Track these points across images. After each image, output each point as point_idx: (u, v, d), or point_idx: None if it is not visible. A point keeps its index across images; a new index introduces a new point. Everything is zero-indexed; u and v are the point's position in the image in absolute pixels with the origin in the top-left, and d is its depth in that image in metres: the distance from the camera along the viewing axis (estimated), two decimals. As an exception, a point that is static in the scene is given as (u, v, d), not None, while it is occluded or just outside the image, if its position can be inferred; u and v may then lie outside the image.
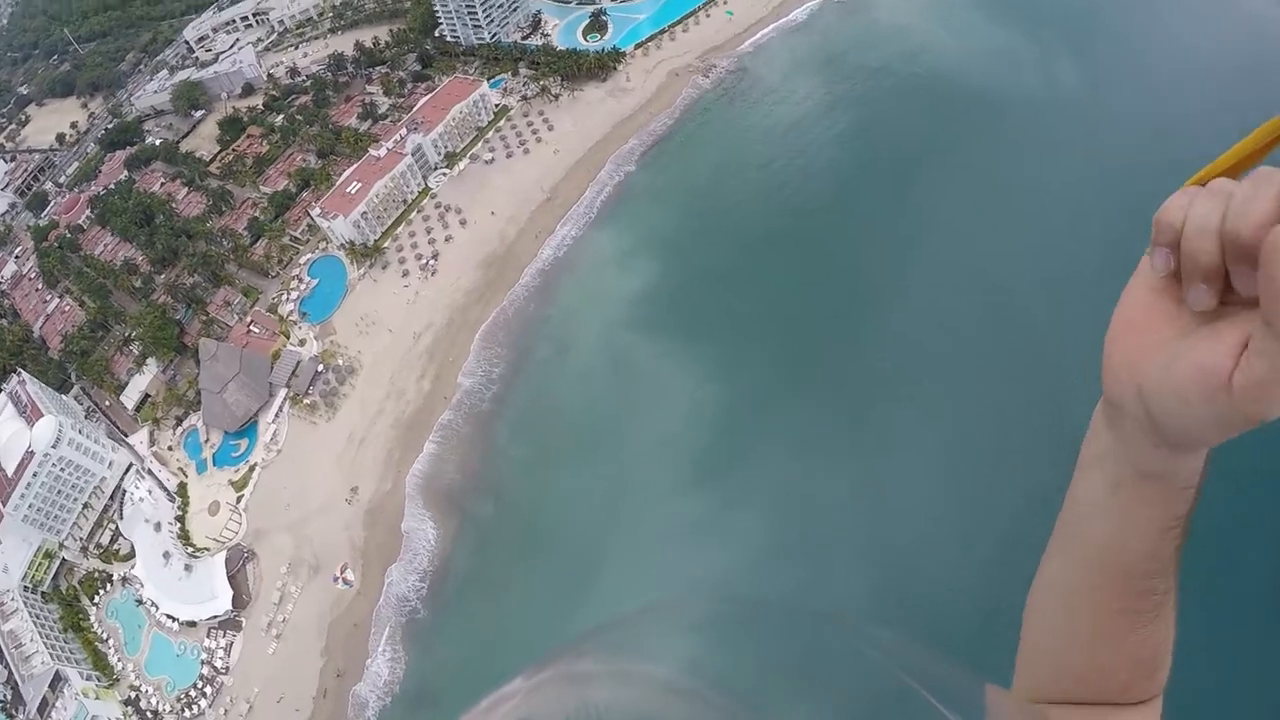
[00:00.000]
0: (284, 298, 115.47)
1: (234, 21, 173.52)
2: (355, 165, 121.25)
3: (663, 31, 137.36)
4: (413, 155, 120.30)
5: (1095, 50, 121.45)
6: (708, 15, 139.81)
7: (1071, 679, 2.92)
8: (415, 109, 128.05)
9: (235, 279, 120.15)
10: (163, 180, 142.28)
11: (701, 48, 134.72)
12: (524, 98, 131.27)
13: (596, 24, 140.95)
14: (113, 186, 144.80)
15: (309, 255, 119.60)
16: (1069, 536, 2.71)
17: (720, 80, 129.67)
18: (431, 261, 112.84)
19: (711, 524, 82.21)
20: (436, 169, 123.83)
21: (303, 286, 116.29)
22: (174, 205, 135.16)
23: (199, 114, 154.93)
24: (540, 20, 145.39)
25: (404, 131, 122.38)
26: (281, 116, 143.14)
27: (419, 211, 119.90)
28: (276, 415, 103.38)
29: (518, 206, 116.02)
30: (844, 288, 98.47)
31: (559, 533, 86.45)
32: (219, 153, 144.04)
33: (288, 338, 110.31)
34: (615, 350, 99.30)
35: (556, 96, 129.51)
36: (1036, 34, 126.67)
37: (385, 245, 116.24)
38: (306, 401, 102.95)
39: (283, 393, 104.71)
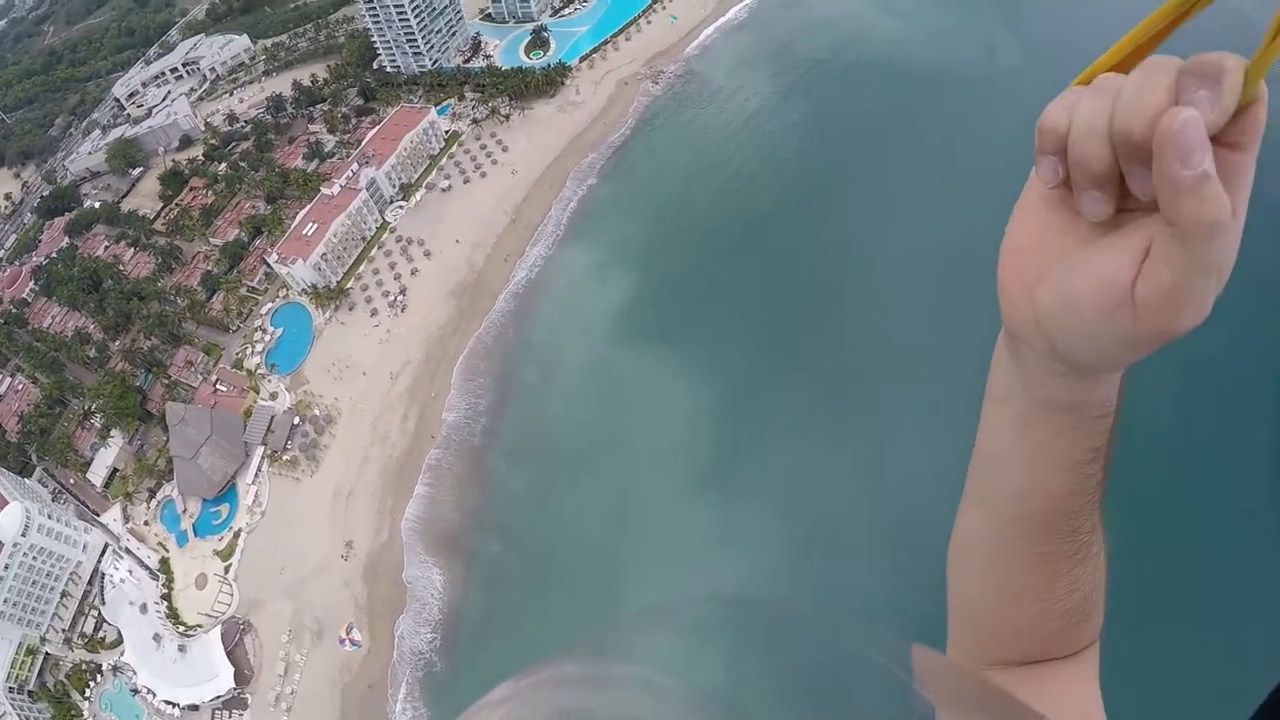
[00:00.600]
0: (249, 351, 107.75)
1: (164, 74, 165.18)
2: (309, 206, 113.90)
3: (606, 42, 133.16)
4: (367, 190, 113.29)
5: (1038, 17, 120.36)
6: (649, 22, 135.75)
7: (1002, 638, 2.69)
8: (364, 143, 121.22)
9: (194, 337, 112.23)
10: (107, 243, 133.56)
11: (647, 54, 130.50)
12: (474, 121, 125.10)
13: (538, 40, 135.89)
14: (55, 255, 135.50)
15: (270, 304, 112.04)
16: (981, 486, 2.46)
17: (670, 85, 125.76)
18: (400, 297, 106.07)
19: (718, 529, 78.08)
20: (393, 202, 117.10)
21: (267, 337, 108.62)
22: (121, 268, 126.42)
23: (137, 171, 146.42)
24: (480, 42, 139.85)
25: (355, 166, 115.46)
26: (224, 165, 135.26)
27: (380, 247, 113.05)
28: (256, 476, 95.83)
29: (482, 232, 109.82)
30: (820, 273, 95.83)
31: (570, 560, 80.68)
32: (163, 209, 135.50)
33: (258, 393, 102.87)
34: (602, 366, 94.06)
35: (507, 117, 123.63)
36: (977, 7, 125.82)
37: (349, 286, 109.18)
38: (286, 458, 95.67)
39: (259, 451, 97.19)
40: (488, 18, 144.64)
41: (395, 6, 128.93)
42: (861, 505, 75.55)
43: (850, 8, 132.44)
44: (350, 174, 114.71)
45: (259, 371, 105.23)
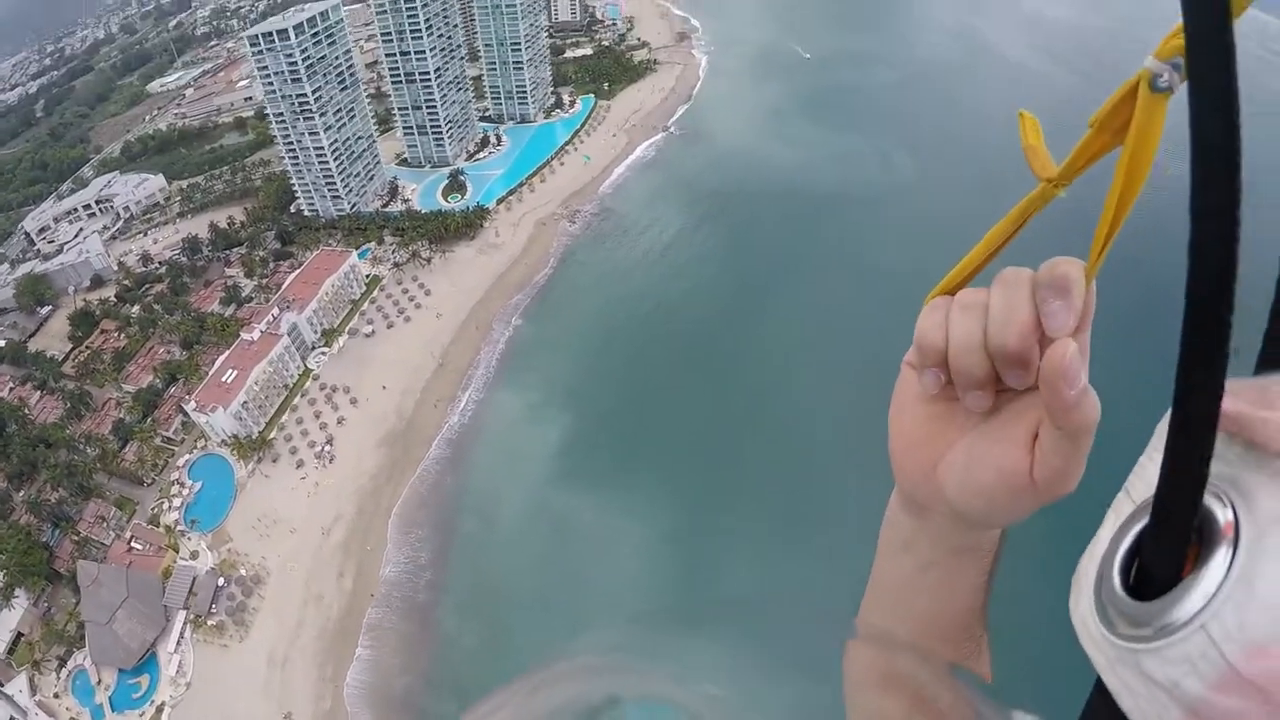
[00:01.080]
0: (165, 506, 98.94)
1: (76, 210, 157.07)
2: (228, 352, 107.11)
3: (522, 184, 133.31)
4: (289, 335, 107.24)
5: (917, 136, 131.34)
6: (561, 164, 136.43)
7: None
8: (284, 286, 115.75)
9: (106, 490, 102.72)
10: (12, 385, 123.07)
11: (562, 195, 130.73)
12: (395, 265, 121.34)
13: (455, 184, 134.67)
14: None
15: (187, 456, 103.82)
16: (881, 615, 2.47)
17: (588, 224, 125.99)
18: (327, 447, 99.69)
19: (690, 662, 73.15)
20: (315, 348, 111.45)
21: (185, 492, 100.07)
22: (27, 412, 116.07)
23: (46, 310, 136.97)
24: (397, 186, 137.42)
25: (276, 311, 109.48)
26: (137, 307, 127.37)
27: (303, 395, 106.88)
28: (178, 643, 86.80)
29: (409, 377, 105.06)
30: (747, 387, 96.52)
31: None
32: (72, 350, 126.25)
33: (177, 551, 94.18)
34: (546, 507, 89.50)
35: (428, 260, 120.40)
36: (861, 133, 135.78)
37: (272, 436, 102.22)
38: (211, 623, 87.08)
39: (181, 615, 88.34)
40: (404, 162, 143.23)
41: (315, 149, 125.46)
42: (831, 613, 72.70)
43: (749, 142, 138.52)
44: (270, 319, 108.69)
45: (178, 528, 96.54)
